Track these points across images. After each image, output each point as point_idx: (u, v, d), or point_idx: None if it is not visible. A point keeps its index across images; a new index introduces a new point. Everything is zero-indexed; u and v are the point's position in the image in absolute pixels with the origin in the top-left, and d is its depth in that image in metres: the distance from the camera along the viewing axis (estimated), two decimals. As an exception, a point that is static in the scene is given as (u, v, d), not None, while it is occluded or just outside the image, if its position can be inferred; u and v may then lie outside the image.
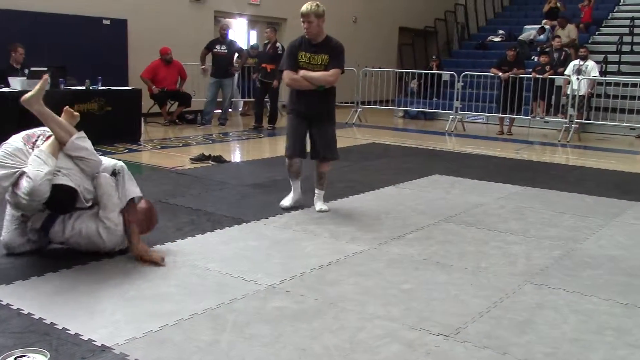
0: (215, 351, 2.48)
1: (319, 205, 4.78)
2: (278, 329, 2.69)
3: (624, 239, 4.26)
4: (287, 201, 4.85)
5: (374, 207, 4.97)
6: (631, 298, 3.17)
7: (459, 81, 11.10)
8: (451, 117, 11.17)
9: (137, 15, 10.90)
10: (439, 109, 12.12)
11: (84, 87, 7.94)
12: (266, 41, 10.32)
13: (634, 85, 10.27)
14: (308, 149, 4.80)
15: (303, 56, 4.56)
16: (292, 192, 4.89)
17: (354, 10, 15.77)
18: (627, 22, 13.88)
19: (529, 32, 13.99)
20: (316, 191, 4.84)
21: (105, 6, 10.43)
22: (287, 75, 4.63)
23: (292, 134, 4.72)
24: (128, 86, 9.59)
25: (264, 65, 10.12)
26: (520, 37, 13.88)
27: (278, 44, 10.13)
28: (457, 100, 11.18)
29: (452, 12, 16.90)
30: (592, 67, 10.29)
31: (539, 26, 14.10)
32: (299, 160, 4.81)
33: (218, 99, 10.68)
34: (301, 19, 4.49)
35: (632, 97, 10.32)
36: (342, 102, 12.60)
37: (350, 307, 2.96)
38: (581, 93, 10.14)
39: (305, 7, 4.50)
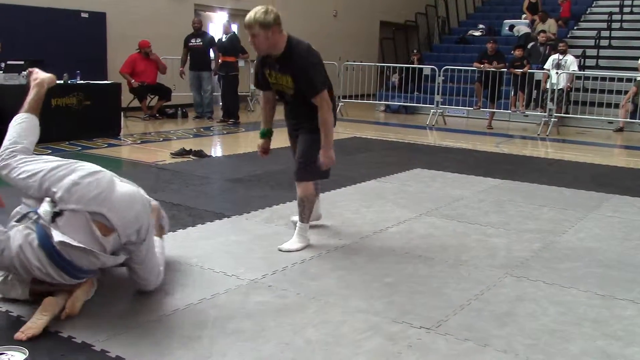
0: (198, 347, 2.47)
1: (286, 244, 3.71)
2: (260, 324, 2.68)
3: (601, 231, 4.32)
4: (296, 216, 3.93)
5: (355, 201, 4.98)
6: (609, 289, 3.22)
7: (439, 75, 11.14)
8: (432, 111, 11.21)
9: (116, 9, 10.78)
10: (420, 103, 12.16)
11: (62, 82, 7.83)
12: (225, 34, 10.34)
13: (612, 79, 10.41)
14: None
15: (269, 75, 3.61)
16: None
17: (335, 5, 15.76)
18: (605, 17, 14.05)
19: (518, 27, 14.03)
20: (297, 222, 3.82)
21: (83, -1, 10.31)
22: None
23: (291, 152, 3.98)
24: (107, 80, 9.49)
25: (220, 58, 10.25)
26: (518, 34, 13.75)
27: (225, 35, 10.23)
28: (438, 94, 11.23)
29: (432, 7, 16.95)
30: (571, 62, 10.39)
31: (521, 21, 14.18)
32: None
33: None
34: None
35: (610, 91, 10.46)
36: (323, 96, 12.67)
37: (332, 301, 2.96)
38: (560, 87, 10.24)
39: (248, 16, 3.36)
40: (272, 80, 3.62)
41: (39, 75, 3.16)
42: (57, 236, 2.54)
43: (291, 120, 3.85)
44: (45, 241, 2.56)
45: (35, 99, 3.11)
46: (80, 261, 2.61)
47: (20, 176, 2.74)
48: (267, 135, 3.93)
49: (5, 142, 2.87)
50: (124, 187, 2.82)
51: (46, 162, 2.78)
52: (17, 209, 2.79)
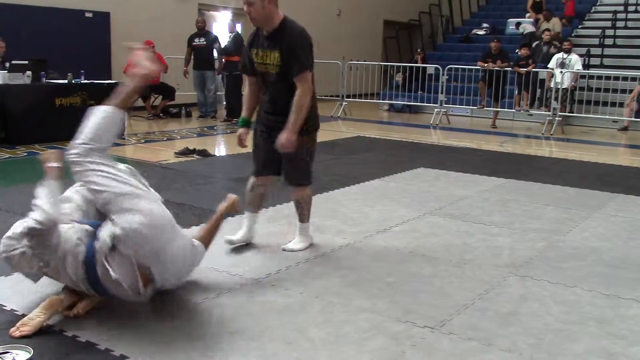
0: (201, 345, 2.47)
1: (290, 244, 3.70)
2: (264, 323, 2.68)
3: (606, 231, 4.31)
4: (235, 235, 3.73)
5: (359, 200, 4.97)
6: (613, 289, 3.21)
7: (443, 74, 11.13)
8: (436, 110, 11.20)
9: (120, 8, 10.80)
10: (423, 102, 12.14)
11: (66, 81, 7.86)
12: (230, 33, 10.37)
13: (616, 78, 10.38)
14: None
15: (256, 55, 3.44)
16: (244, 225, 3.77)
17: (338, 4, 15.75)
18: (610, 15, 14.00)
19: (524, 24, 14.00)
20: (298, 223, 3.79)
21: (87, -1, 10.34)
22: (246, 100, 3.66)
23: (253, 143, 3.68)
24: (111, 80, 9.50)
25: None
26: (524, 32, 13.73)
27: (229, 35, 10.28)
28: (441, 93, 11.21)
29: (436, 6, 16.92)
30: (575, 61, 10.36)
31: (526, 20, 14.14)
32: (265, 180, 3.70)
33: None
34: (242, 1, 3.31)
35: (615, 90, 10.43)
36: (327, 96, 12.66)
37: (336, 300, 2.96)
38: (564, 86, 10.21)
39: None
40: (258, 59, 3.43)
41: (147, 65, 2.82)
42: (112, 272, 2.53)
43: (270, 116, 3.52)
44: (90, 262, 2.55)
45: (130, 93, 2.82)
46: (113, 290, 2.62)
47: (89, 185, 2.67)
48: (247, 124, 3.67)
49: (84, 134, 2.70)
50: (180, 240, 2.73)
51: (114, 181, 2.62)
52: (70, 193, 2.80)
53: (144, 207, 2.59)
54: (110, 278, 2.55)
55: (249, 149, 3.77)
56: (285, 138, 3.33)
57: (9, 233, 2.70)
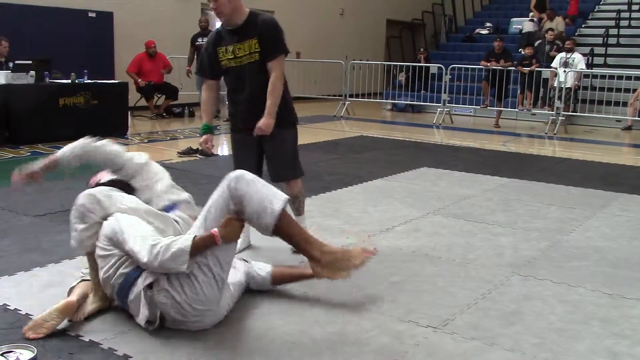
0: (204, 345, 2.47)
1: None
2: (267, 323, 2.68)
3: (609, 230, 4.30)
4: None
5: (362, 200, 4.97)
6: (617, 289, 3.20)
7: (446, 74, 11.12)
8: (439, 109, 11.19)
9: (123, 8, 10.82)
10: (426, 102, 12.14)
11: (69, 81, 7.87)
12: None
13: (620, 77, 10.36)
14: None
15: (225, 53, 3.41)
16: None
17: (341, 3, 15.75)
18: (613, 14, 13.97)
19: (522, 24, 13.97)
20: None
21: (90, -2, 10.36)
22: (205, 99, 3.60)
23: (234, 154, 3.72)
24: (114, 79, 9.52)
25: None
26: (524, 31, 13.72)
27: None
28: (444, 92, 11.21)
29: (439, 5, 16.91)
30: (578, 60, 10.34)
31: (528, 19, 14.12)
32: None
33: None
34: None
35: (618, 90, 10.41)
36: (329, 95, 12.68)
37: (338, 300, 2.96)
38: (568, 85, 10.20)
39: None
40: (229, 55, 3.39)
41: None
42: (141, 308, 2.54)
43: (249, 115, 3.44)
44: (128, 284, 2.55)
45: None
46: (130, 311, 2.63)
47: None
48: (210, 130, 3.66)
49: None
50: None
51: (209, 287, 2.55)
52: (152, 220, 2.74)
53: (199, 316, 2.55)
54: (133, 306, 2.57)
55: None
56: (263, 123, 3.35)
57: (99, 195, 2.68)
